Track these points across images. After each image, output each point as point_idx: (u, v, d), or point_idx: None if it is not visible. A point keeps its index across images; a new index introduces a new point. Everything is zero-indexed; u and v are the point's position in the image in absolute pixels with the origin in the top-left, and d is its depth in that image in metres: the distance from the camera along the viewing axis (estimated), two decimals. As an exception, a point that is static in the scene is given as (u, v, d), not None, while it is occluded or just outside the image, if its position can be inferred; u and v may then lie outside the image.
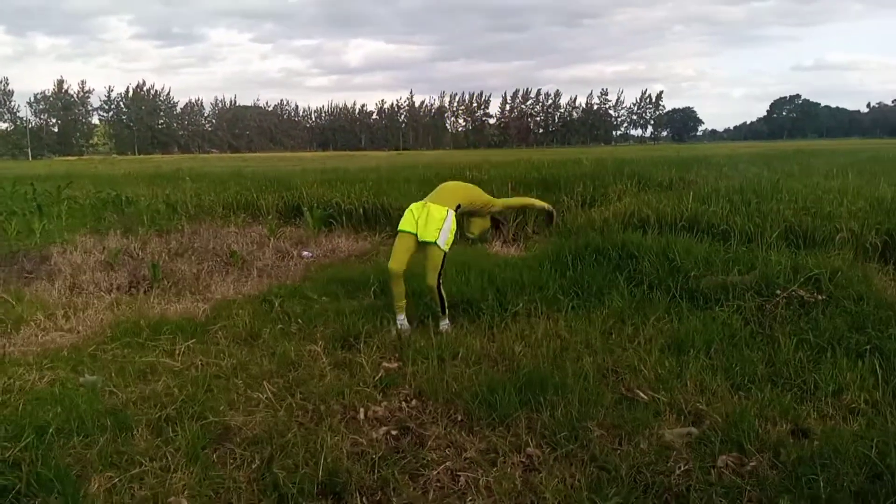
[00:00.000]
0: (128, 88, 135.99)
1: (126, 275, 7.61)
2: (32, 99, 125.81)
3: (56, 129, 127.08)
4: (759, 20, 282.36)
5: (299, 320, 5.62)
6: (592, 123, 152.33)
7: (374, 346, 4.92)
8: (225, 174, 21.67)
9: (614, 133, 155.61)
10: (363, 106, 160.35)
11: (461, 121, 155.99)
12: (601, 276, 6.44)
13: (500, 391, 3.96)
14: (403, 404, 3.99)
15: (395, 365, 4.50)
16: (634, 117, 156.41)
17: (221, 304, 6.29)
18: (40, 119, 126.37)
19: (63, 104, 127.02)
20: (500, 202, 6.35)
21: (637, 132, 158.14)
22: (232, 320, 5.67)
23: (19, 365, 4.66)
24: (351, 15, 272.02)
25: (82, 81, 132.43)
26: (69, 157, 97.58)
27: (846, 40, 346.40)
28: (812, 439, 3.40)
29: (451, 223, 5.47)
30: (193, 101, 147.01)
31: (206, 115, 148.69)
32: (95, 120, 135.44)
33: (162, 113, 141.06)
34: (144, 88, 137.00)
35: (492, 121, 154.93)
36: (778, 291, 5.55)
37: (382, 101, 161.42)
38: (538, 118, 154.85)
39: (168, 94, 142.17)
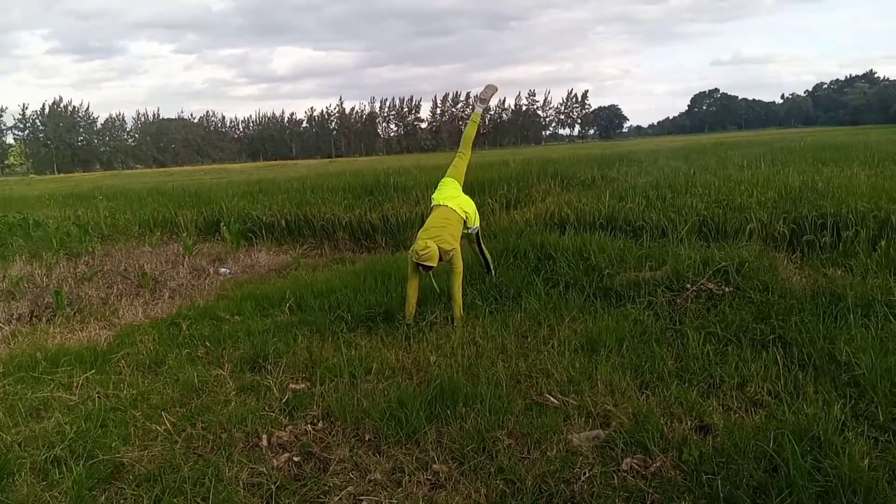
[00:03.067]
0: (44, 105, 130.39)
1: (27, 304, 7.19)
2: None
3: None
4: (677, 17, 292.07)
5: (207, 343, 5.39)
6: (522, 124, 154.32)
7: (284, 366, 4.75)
8: (144, 191, 20.92)
9: (544, 133, 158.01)
10: (293, 114, 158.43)
11: (393, 126, 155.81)
12: (519, 278, 6.43)
13: (410, 406, 3.86)
14: (310, 427, 3.84)
15: (303, 385, 4.35)
16: (562, 117, 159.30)
17: (127, 331, 5.99)
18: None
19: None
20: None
21: (566, 131, 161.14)
22: (136, 347, 5.41)
23: None
24: (276, 23, 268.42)
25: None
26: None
27: (761, 34, 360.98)
28: (715, 435, 3.42)
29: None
30: (115, 115, 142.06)
31: (128, 129, 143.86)
32: (10, 139, 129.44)
33: (81, 129, 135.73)
34: (62, 105, 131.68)
35: (423, 125, 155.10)
36: (688, 285, 5.65)
37: (312, 108, 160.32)
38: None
39: (87, 109, 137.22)
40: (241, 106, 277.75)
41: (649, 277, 5.92)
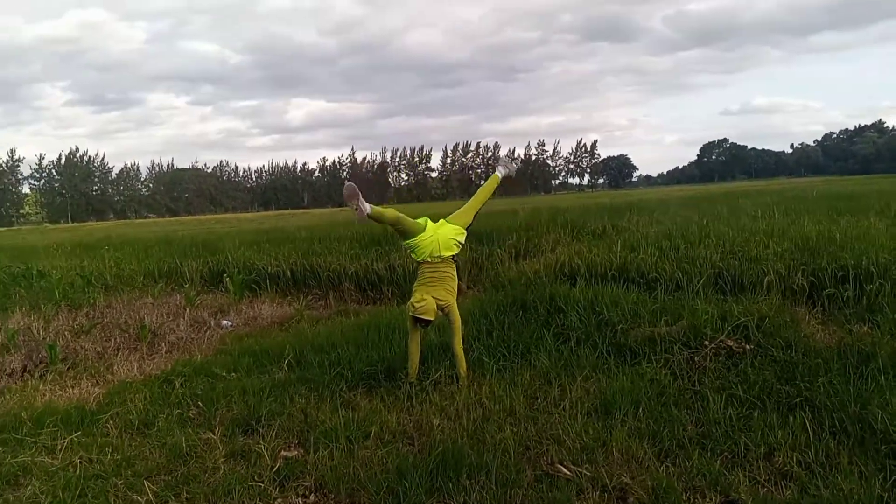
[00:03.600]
0: (60, 155, 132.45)
1: (21, 358, 6.97)
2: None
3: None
4: (685, 69, 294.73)
5: (200, 403, 5.13)
6: (532, 173, 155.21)
7: (277, 428, 4.48)
8: (153, 240, 20.90)
9: (553, 182, 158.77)
10: (305, 164, 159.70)
11: (404, 175, 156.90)
12: (528, 333, 6.16)
13: (410, 477, 3.58)
14: (300, 500, 3.56)
15: (295, 453, 4.07)
16: (571, 166, 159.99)
17: (118, 388, 5.74)
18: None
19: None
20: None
21: (575, 180, 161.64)
22: (125, 406, 5.15)
23: None
24: (291, 76, 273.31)
25: (11, 150, 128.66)
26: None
27: (769, 85, 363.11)
28: (743, 513, 3.12)
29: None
30: (129, 165, 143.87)
31: (142, 179, 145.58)
32: (26, 189, 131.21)
33: (96, 179, 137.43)
34: (77, 155, 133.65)
35: (434, 174, 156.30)
36: (706, 342, 5.36)
37: (324, 158, 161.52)
38: (479, 170, 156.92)
39: (103, 159, 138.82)
40: (254, 156, 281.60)
41: (665, 333, 5.64)
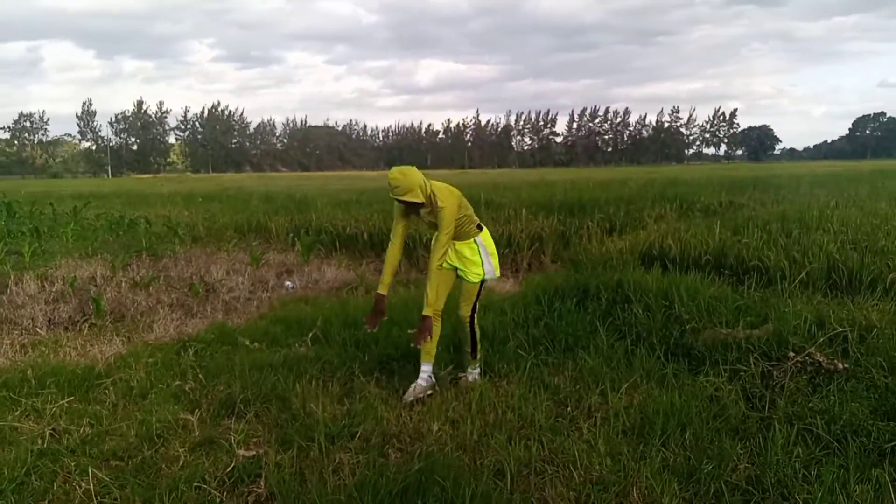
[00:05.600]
0: (203, 109, 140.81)
1: (72, 308, 6.95)
2: (113, 119, 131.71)
3: (135, 148, 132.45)
4: (839, 36, 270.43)
5: (201, 376, 4.74)
6: (664, 141, 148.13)
7: (253, 416, 4.00)
8: (260, 194, 21.34)
9: (687, 152, 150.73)
10: (430, 125, 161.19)
11: (527, 139, 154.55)
12: (582, 324, 5.34)
13: (369, 496, 2.96)
14: (243, 512, 3.04)
15: (253, 452, 3.53)
16: (707, 135, 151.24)
17: (135, 350, 5.48)
18: (120, 138, 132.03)
19: (142, 124, 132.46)
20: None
21: (710, 151, 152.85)
22: (130, 372, 4.86)
23: None
24: (422, 36, 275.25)
25: (160, 102, 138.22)
26: (144, 175, 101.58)
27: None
28: None
29: (487, 246, 4.69)
30: (266, 121, 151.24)
31: (277, 134, 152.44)
32: (172, 139, 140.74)
33: (235, 132, 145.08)
34: (219, 109, 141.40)
35: (558, 139, 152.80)
36: (791, 353, 4.35)
37: (449, 120, 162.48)
38: (606, 136, 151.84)
39: (242, 114, 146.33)
40: (382, 115, 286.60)
41: (742, 338, 4.66)
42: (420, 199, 4.21)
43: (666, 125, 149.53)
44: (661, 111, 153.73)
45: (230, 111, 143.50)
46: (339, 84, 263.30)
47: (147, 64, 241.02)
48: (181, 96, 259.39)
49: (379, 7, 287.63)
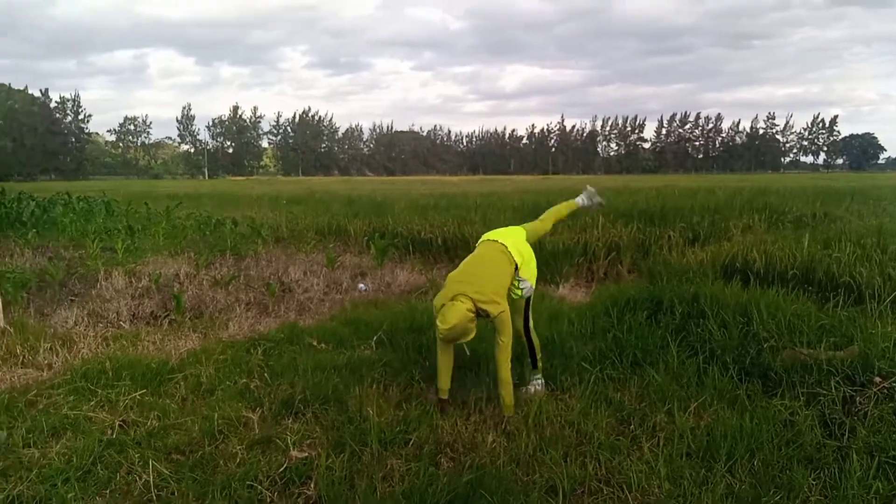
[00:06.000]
0: (294, 114, 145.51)
1: (155, 304, 7.27)
2: (210, 123, 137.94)
3: (230, 151, 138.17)
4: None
5: (266, 374, 4.85)
6: (758, 149, 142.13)
7: (313, 416, 4.05)
8: (342, 197, 21.79)
9: (783, 160, 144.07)
10: (514, 131, 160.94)
11: (613, 145, 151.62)
12: (652, 338, 5.14)
13: (415, 508, 2.94)
14: (291, 514, 3.07)
15: (305, 454, 3.57)
16: (805, 143, 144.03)
17: (208, 347, 5.66)
18: (217, 142, 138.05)
19: (237, 128, 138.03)
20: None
21: (808, 159, 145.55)
22: (200, 368, 5.02)
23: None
24: (507, 42, 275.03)
25: (254, 107, 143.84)
26: (238, 178, 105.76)
27: None
28: None
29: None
30: (353, 126, 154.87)
31: (364, 139, 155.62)
32: (265, 143, 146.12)
33: (324, 137, 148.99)
34: (309, 114, 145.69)
35: (646, 145, 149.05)
36: (877, 379, 4.04)
37: (533, 125, 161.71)
38: (697, 143, 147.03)
39: (331, 119, 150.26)
40: (467, 121, 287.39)
41: (824, 360, 4.37)
42: (474, 325, 3.98)
43: (761, 132, 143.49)
44: (756, 117, 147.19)
45: (320, 116, 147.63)
46: (424, 90, 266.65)
47: (243, 70, 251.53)
48: (274, 102, 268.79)
49: (466, 13, 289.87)
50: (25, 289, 7.56)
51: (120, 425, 4.04)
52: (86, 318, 6.71)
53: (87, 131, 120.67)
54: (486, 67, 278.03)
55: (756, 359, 4.67)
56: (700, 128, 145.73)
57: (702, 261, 7.96)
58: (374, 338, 5.63)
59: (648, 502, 3.08)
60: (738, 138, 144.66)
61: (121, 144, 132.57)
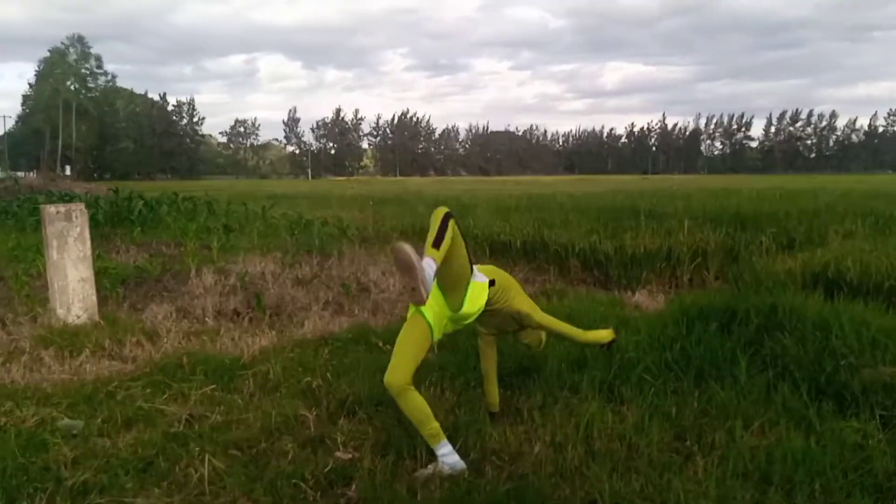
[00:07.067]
0: (393, 116, 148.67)
1: (239, 301, 7.61)
2: (314, 125, 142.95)
3: (333, 153, 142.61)
4: None
5: (329, 374, 4.99)
6: (877, 148, 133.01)
7: (365, 417, 4.13)
8: (428, 197, 22.04)
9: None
10: (612, 129, 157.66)
11: (717, 144, 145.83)
12: (722, 351, 4.93)
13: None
14: (333, 516, 3.15)
15: (350, 455, 3.64)
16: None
17: (280, 345, 5.88)
18: (320, 143, 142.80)
19: (339, 130, 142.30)
20: (540, 318, 4.12)
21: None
22: (269, 365, 5.22)
23: (18, 398, 4.56)
24: (608, 39, 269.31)
25: (356, 110, 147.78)
26: (339, 178, 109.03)
27: None
28: None
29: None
30: (450, 126, 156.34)
31: (460, 139, 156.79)
32: (365, 144, 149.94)
33: (422, 138, 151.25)
34: (407, 116, 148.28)
35: (753, 144, 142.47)
36: (967, 404, 3.72)
37: (632, 124, 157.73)
38: (809, 142, 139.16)
39: (428, 120, 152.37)
40: (564, 120, 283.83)
41: (907, 381, 4.07)
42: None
43: (881, 129, 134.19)
44: (875, 114, 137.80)
45: (418, 118, 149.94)
46: (522, 89, 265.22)
47: (346, 74, 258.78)
48: (375, 103, 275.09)
49: (566, 12, 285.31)
50: (123, 284, 8.08)
51: (187, 419, 4.26)
52: (174, 314, 7.10)
53: (200, 133, 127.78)
54: (586, 65, 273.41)
55: (832, 376, 4.39)
56: (812, 126, 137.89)
57: (790, 269, 7.57)
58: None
59: (691, 524, 2.96)
60: (854, 136, 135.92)
61: (231, 146, 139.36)
